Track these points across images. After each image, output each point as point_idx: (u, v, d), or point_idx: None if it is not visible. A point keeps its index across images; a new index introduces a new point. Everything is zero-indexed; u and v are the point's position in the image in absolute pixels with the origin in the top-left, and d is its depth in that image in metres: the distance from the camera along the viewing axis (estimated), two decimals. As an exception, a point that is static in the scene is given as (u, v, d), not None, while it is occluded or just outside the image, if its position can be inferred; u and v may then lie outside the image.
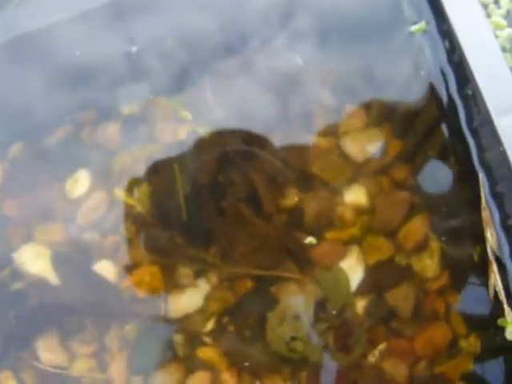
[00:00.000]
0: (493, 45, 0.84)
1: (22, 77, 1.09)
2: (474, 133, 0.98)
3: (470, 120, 0.99)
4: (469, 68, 0.86)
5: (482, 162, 0.97)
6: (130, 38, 1.17)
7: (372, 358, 1.00)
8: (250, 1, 1.19)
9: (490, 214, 0.96)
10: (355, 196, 1.07)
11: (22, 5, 1.08)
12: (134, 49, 1.16)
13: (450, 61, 0.97)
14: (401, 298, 1.03)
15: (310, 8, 1.14)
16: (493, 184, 0.96)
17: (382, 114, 1.11)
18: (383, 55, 1.11)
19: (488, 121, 0.85)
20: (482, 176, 0.98)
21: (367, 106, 1.12)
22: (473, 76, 0.84)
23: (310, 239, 1.03)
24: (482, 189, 0.97)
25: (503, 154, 0.83)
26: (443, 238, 1.04)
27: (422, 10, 1.05)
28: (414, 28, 1.10)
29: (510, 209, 0.92)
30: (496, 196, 0.96)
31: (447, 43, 0.95)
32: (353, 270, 1.04)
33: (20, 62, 1.10)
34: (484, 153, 0.96)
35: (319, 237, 1.06)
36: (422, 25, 1.09)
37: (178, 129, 1.11)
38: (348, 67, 1.10)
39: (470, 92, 0.93)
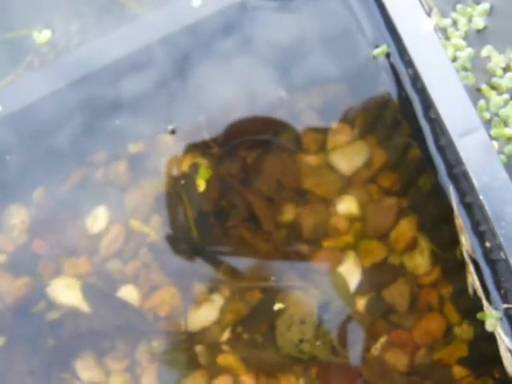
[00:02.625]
0: (451, 74, 0.99)
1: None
2: (442, 151, 1.13)
3: (437, 139, 1.14)
4: (429, 96, 1.01)
5: (451, 176, 1.12)
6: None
7: (375, 351, 1.17)
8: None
9: (462, 221, 1.11)
10: (347, 206, 1.23)
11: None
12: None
13: (414, 86, 1.13)
14: (397, 294, 1.19)
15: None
16: (461, 195, 1.11)
17: (365, 129, 1.26)
18: (356, 78, 1.26)
19: (450, 142, 1.01)
20: (451, 188, 1.12)
21: (351, 122, 1.27)
22: (433, 103, 0.99)
23: (278, 305, 1.19)
24: (452, 199, 1.12)
25: (466, 171, 0.98)
26: (430, 238, 1.20)
27: (384, 37, 1.19)
28: (376, 52, 1.24)
29: (479, 216, 1.06)
30: (465, 206, 1.10)
31: (410, 71, 1.11)
32: (351, 273, 1.20)
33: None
34: (452, 168, 1.11)
35: (317, 246, 1.23)
36: (383, 48, 1.22)
37: (181, 162, 1.27)
38: (328, 91, 1.25)
39: (433, 116, 1.08)
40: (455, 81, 0.99)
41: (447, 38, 1.21)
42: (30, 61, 1.27)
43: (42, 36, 1.28)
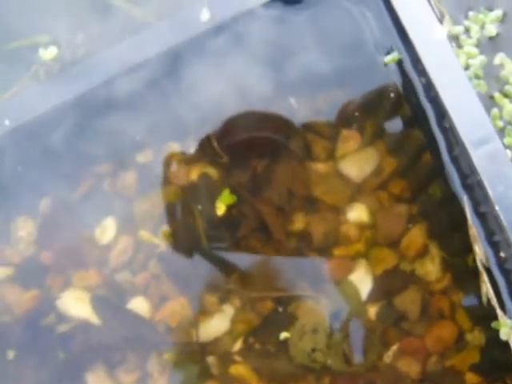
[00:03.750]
0: (465, 83, 1.00)
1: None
2: (455, 160, 1.14)
3: (450, 149, 1.15)
4: (443, 105, 1.01)
5: (465, 186, 1.13)
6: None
7: (387, 359, 1.18)
8: None
9: (475, 231, 1.11)
10: (357, 214, 1.24)
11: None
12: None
13: (427, 95, 1.14)
14: (408, 301, 1.20)
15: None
16: (476, 205, 1.12)
17: (375, 136, 1.27)
18: (366, 84, 1.26)
19: (464, 151, 1.02)
20: (465, 198, 1.14)
21: (361, 129, 1.27)
22: (447, 112, 1.00)
23: (284, 334, 1.18)
24: (466, 209, 1.13)
25: (480, 182, 0.99)
26: (440, 245, 1.20)
27: (395, 44, 1.19)
28: (387, 59, 1.24)
29: (494, 226, 1.07)
30: (480, 215, 1.12)
31: (423, 80, 1.11)
32: (362, 281, 1.21)
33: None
34: (466, 178, 1.12)
35: (328, 254, 1.23)
36: (394, 55, 1.23)
37: (190, 171, 1.27)
38: (338, 97, 1.25)
39: (447, 125, 1.09)
40: (469, 90, 1.00)
41: (459, 46, 1.22)
42: (34, 72, 1.26)
43: (48, 53, 1.27)
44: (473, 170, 1.02)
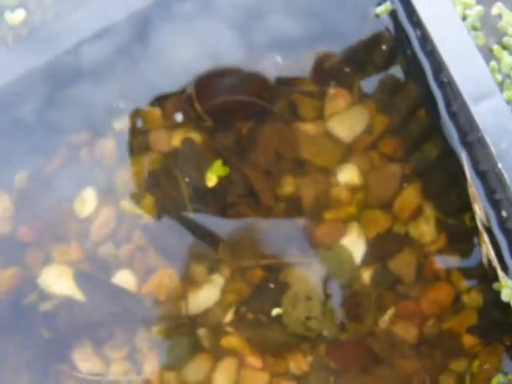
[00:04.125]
0: (464, 34, 0.94)
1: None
2: (454, 117, 1.09)
3: (448, 105, 1.10)
4: (441, 58, 0.95)
5: (464, 143, 1.09)
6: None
7: (383, 324, 1.15)
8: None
9: (475, 190, 1.07)
10: (348, 175, 1.20)
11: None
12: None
13: (423, 48, 1.08)
14: (403, 264, 1.17)
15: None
16: (475, 163, 1.08)
17: (366, 92, 1.22)
18: (354, 37, 1.20)
19: (464, 107, 0.96)
20: (464, 155, 1.09)
21: (350, 86, 1.22)
22: (445, 66, 0.94)
23: (276, 310, 1.15)
24: (465, 167, 1.09)
25: (482, 138, 0.93)
26: (435, 205, 1.17)
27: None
28: (378, 10, 1.18)
29: (495, 185, 1.03)
30: (480, 174, 1.08)
31: (418, 32, 1.05)
32: (355, 245, 1.18)
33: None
34: (465, 135, 1.07)
35: (319, 218, 1.19)
36: (387, 5, 1.18)
37: (172, 136, 1.21)
38: (324, 53, 1.19)
39: (445, 79, 1.04)
40: (468, 42, 0.95)
41: None
42: (1, 37, 1.19)
43: (16, 16, 1.18)
44: (473, 127, 0.98)
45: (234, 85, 1.23)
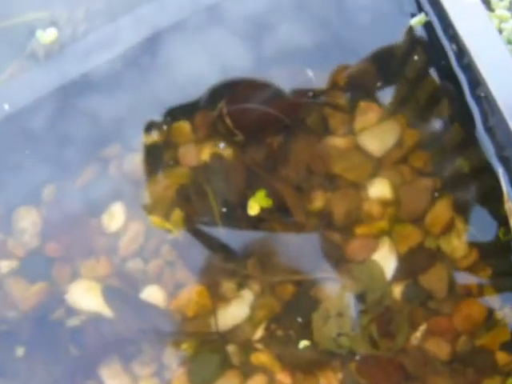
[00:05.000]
0: (501, 48, 0.92)
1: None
2: (490, 131, 1.07)
3: (485, 119, 1.08)
4: (478, 72, 0.94)
5: (501, 158, 1.06)
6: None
7: (415, 341, 1.13)
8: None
9: (512, 205, 1.06)
10: (379, 190, 1.18)
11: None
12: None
13: (459, 63, 1.06)
14: (435, 279, 1.14)
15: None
16: None
17: (396, 107, 1.20)
18: (386, 50, 1.18)
19: (502, 121, 0.95)
20: (501, 170, 1.07)
21: (380, 100, 1.21)
22: (483, 79, 0.92)
23: (304, 343, 1.12)
24: (502, 182, 1.06)
25: (521, 153, 0.91)
26: (467, 219, 1.15)
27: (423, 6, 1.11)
28: (413, 21, 1.17)
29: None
30: (517, 190, 1.07)
31: (454, 46, 1.04)
32: (386, 260, 1.16)
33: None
34: (502, 150, 1.05)
35: (350, 233, 1.17)
36: (421, 17, 1.16)
37: (201, 151, 1.20)
38: (355, 66, 1.18)
39: (482, 94, 1.02)
40: (506, 56, 0.93)
41: (491, 9, 1.14)
42: (31, 53, 1.18)
43: (47, 35, 1.18)
44: (511, 142, 0.97)
45: (265, 99, 1.21)
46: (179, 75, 1.22)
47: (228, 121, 1.19)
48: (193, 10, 1.11)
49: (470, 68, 1.03)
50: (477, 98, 1.08)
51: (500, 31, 1.15)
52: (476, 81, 1.03)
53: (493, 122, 1.05)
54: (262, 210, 1.17)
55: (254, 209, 1.17)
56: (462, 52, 1.03)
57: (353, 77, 1.22)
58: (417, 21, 1.17)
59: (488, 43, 0.96)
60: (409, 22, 1.18)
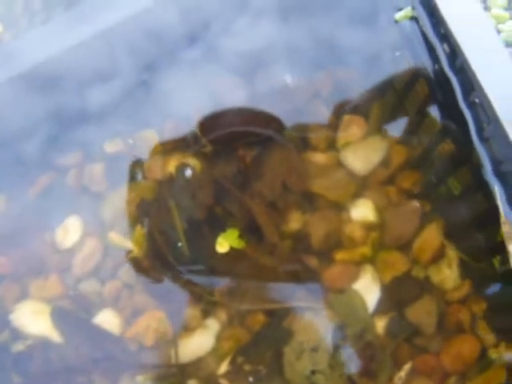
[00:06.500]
0: (500, 49, 0.81)
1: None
2: (486, 143, 0.97)
3: (479, 129, 0.99)
4: (473, 76, 0.82)
5: (497, 174, 0.97)
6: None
7: (398, 381, 1.02)
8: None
9: (510, 228, 0.94)
10: (362, 212, 1.08)
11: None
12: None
13: (451, 65, 0.96)
14: (422, 313, 1.04)
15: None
16: (510, 197, 0.96)
17: (383, 120, 1.11)
18: (372, 61, 1.09)
19: (499, 131, 0.83)
20: (497, 188, 0.98)
21: (365, 113, 1.11)
22: (478, 84, 0.81)
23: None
24: (498, 202, 0.97)
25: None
26: (459, 246, 1.04)
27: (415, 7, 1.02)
28: (398, 15, 1.07)
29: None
30: (516, 210, 0.96)
31: (446, 47, 0.93)
32: (368, 290, 1.05)
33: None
34: (499, 165, 0.96)
35: (329, 259, 1.07)
36: (407, 11, 1.06)
37: (167, 162, 1.10)
38: (337, 75, 1.08)
39: (476, 100, 0.91)
40: (505, 58, 0.82)
41: (487, 8, 1.05)
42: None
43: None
44: (509, 155, 0.85)
45: (239, 116, 1.12)
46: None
47: (197, 130, 1.10)
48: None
49: (463, 71, 0.93)
50: (470, 105, 0.98)
51: (498, 32, 1.07)
52: (470, 85, 0.93)
53: (489, 133, 0.95)
54: (232, 249, 1.08)
55: (223, 246, 1.07)
56: (454, 54, 0.93)
57: (336, 87, 1.14)
58: (402, 15, 1.08)
59: (485, 44, 0.85)
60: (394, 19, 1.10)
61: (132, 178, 1.12)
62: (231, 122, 1.14)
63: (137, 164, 1.12)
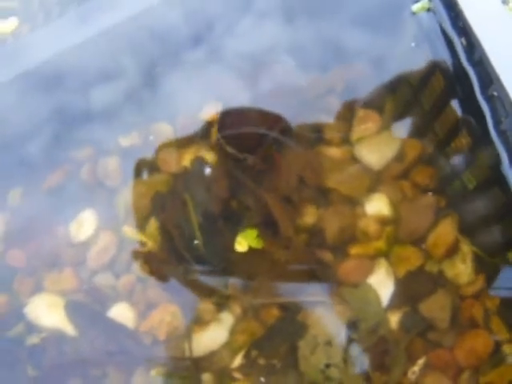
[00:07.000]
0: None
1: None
2: (504, 136, 0.96)
3: (497, 123, 0.97)
4: (492, 68, 0.82)
5: (515, 167, 0.97)
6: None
7: (412, 376, 1.01)
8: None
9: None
10: (377, 206, 1.07)
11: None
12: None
13: (469, 59, 0.96)
14: (436, 307, 1.03)
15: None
16: None
17: (397, 114, 1.10)
18: (387, 55, 1.08)
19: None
20: (515, 182, 0.96)
21: (380, 108, 1.10)
22: (497, 77, 0.81)
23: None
24: None
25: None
26: (474, 241, 1.03)
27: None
28: (415, 7, 1.06)
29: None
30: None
31: (464, 40, 0.92)
32: (382, 284, 1.04)
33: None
34: (517, 158, 0.95)
35: (343, 253, 1.06)
36: (424, 3, 1.05)
37: (182, 156, 1.10)
38: (352, 70, 1.07)
39: (495, 93, 0.91)
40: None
41: (505, 2, 1.03)
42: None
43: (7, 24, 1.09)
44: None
45: (254, 113, 1.11)
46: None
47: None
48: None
49: (481, 64, 0.92)
50: (488, 98, 0.97)
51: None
52: (488, 79, 0.91)
53: (506, 125, 0.93)
54: (251, 249, 1.07)
55: (242, 245, 1.06)
56: (472, 47, 0.92)
57: (350, 82, 1.13)
58: (419, 7, 1.06)
59: (504, 37, 0.84)
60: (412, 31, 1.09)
61: (147, 171, 1.12)
62: (246, 119, 1.13)
63: (151, 157, 1.13)
